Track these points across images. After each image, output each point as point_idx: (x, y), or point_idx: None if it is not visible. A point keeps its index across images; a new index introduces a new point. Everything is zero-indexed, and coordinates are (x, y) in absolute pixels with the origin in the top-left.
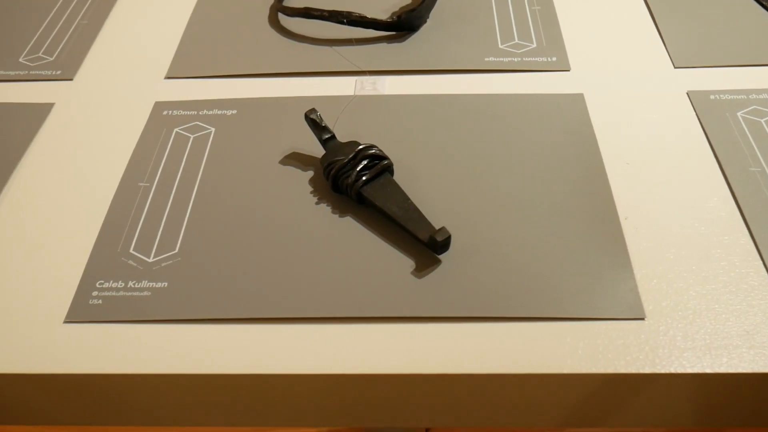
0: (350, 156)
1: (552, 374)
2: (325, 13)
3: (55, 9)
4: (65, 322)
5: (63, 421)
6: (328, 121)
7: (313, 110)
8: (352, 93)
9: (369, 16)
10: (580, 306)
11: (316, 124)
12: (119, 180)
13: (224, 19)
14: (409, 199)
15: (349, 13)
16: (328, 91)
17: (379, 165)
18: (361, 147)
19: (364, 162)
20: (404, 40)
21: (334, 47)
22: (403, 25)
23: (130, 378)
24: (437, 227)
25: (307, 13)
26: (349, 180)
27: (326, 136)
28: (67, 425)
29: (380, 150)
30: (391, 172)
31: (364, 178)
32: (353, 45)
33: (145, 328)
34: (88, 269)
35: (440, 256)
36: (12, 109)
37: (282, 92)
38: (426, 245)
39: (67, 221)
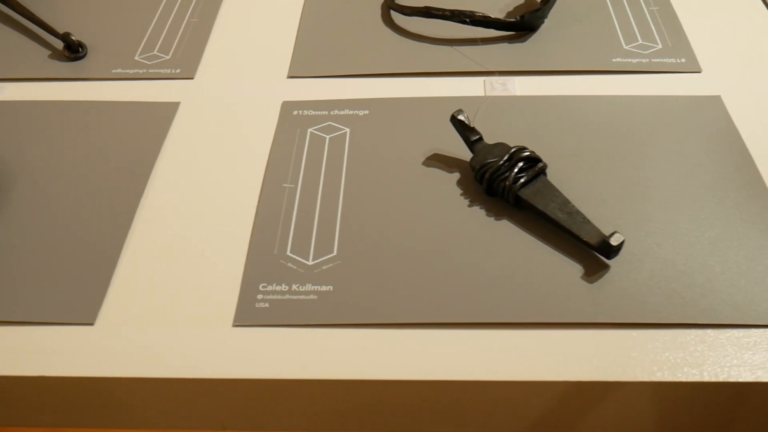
0: (505, 158)
1: None
2: (447, 13)
3: (161, 8)
4: (234, 325)
5: (235, 426)
6: (448, 124)
7: (460, 111)
8: (481, 94)
9: (492, 15)
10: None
11: (464, 126)
12: (261, 181)
13: (336, 16)
14: (569, 201)
15: (472, 12)
16: (457, 91)
17: (536, 167)
18: (514, 149)
19: (520, 164)
20: (525, 41)
21: (455, 47)
22: (525, 25)
23: (306, 383)
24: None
25: (428, 12)
26: (507, 183)
27: (474, 138)
28: (235, 429)
29: (533, 151)
30: (545, 174)
31: (521, 180)
32: (478, 45)
33: (312, 332)
34: (248, 272)
35: (608, 261)
36: (141, 108)
37: (408, 92)
38: (595, 249)
39: (215, 222)
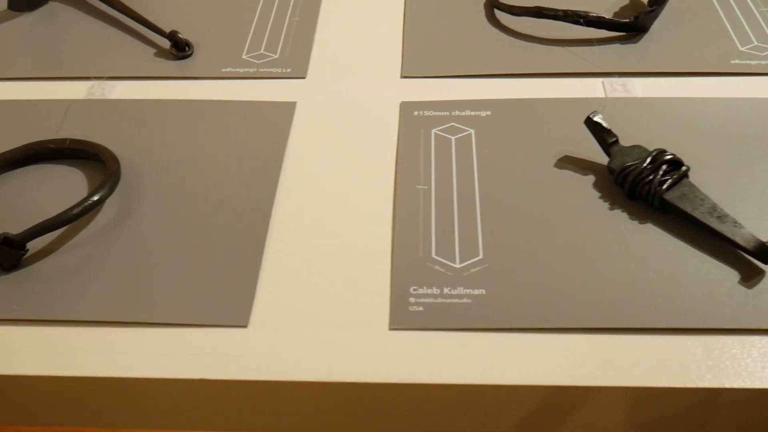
0: (647, 161)
1: None
2: (559, 13)
3: (259, 7)
4: (391, 329)
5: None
6: (573, 125)
7: (595, 112)
8: (601, 95)
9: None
10: None
11: (600, 127)
12: (393, 182)
13: (439, 15)
14: (717, 205)
15: (586, 13)
16: (575, 92)
17: (681, 170)
18: (655, 151)
19: (664, 167)
20: (637, 42)
21: (567, 47)
22: (637, 26)
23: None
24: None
25: (539, 12)
26: (652, 186)
27: (611, 140)
28: None
29: (674, 154)
30: (688, 177)
31: (667, 184)
32: (594, 45)
33: (466, 336)
34: (397, 274)
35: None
36: (260, 108)
37: (526, 93)
38: (752, 254)
39: (353, 224)
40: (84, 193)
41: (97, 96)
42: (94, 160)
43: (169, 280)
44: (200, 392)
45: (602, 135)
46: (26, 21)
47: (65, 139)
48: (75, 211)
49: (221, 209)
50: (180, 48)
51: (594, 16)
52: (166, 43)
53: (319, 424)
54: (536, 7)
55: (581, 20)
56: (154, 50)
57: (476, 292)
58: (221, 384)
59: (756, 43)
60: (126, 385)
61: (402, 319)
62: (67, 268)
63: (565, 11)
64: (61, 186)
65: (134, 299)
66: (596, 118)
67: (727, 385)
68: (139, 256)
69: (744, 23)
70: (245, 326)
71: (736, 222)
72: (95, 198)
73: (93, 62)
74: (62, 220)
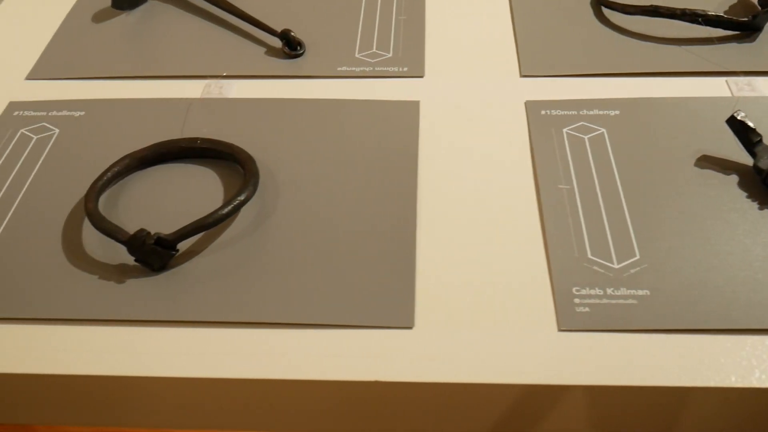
0: None
1: None
2: (677, 12)
3: (363, 6)
4: (560, 330)
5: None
6: (705, 124)
7: (738, 111)
8: (726, 95)
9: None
10: None
11: (745, 127)
12: (533, 181)
13: (547, 13)
14: None
15: (704, 11)
16: (699, 92)
17: None
18: None
19: None
20: (754, 41)
21: (684, 47)
22: (754, 25)
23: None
24: None
25: (655, 11)
26: None
27: (756, 139)
28: None
29: None
30: None
31: None
32: (714, 44)
33: (633, 338)
34: (557, 275)
35: None
36: (386, 107)
37: (651, 92)
38: None
39: (500, 224)
40: (219, 193)
41: (214, 95)
42: (225, 159)
43: (323, 281)
44: (374, 393)
45: (747, 134)
46: (128, 20)
47: (196, 138)
48: (225, 210)
49: (363, 209)
50: (292, 47)
51: (713, 15)
52: (275, 42)
53: (490, 424)
54: (652, 6)
55: (700, 19)
56: (264, 49)
57: (640, 292)
58: (394, 386)
59: None
60: (296, 386)
61: (570, 320)
62: (216, 269)
63: (683, 10)
64: (195, 185)
65: (288, 300)
66: (740, 117)
67: None
68: (286, 257)
69: None
70: (410, 327)
71: None
72: (242, 197)
73: (206, 61)
74: (214, 220)
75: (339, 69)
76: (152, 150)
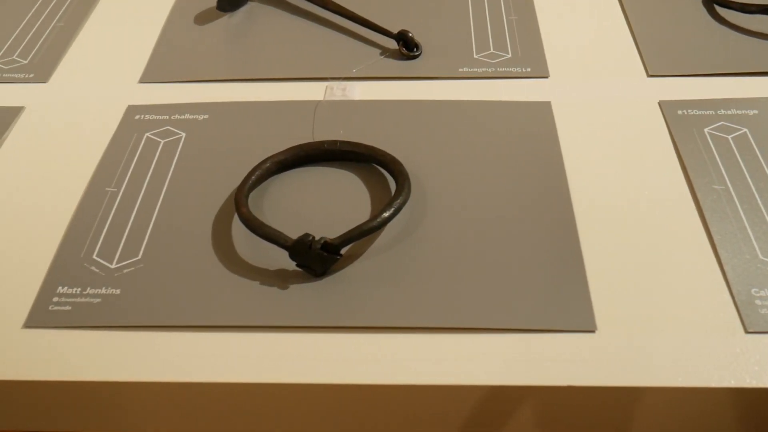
0: None
1: None
2: None
3: (470, 7)
4: (747, 332)
5: None
6: None
7: None
8: None
9: None
10: None
11: None
12: (683, 181)
13: (660, 10)
14: None
15: None
16: None
17: None
18: None
19: None
20: None
21: None
22: None
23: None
24: None
25: None
26: None
27: None
28: None
29: None
30: None
31: None
32: None
33: None
34: (733, 276)
35: None
36: (518, 108)
37: None
38: None
39: (660, 224)
40: (363, 195)
41: (338, 97)
42: (365, 161)
43: (489, 285)
44: (567, 398)
45: None
46: (231, 22)
47: (336, 141)
48: (387, 213)
49: (515, 212)
50: (410, 48)
51: None
52: (388, 43)
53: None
54: None
55: None
56: (378, 50)
57: None
58: (583, 390)
59: None
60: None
61: (757, 322)
62: (377, 274)
63: None
64: (338, 188)
65: (456, 305)
66: None
67: None
68: (445, 261)
69: None
70: (593, 331)
71: None
72: (399, 201)
73: (323, 63)
74: (377, 224)
75: (460, 70)
76: (291, 153)
